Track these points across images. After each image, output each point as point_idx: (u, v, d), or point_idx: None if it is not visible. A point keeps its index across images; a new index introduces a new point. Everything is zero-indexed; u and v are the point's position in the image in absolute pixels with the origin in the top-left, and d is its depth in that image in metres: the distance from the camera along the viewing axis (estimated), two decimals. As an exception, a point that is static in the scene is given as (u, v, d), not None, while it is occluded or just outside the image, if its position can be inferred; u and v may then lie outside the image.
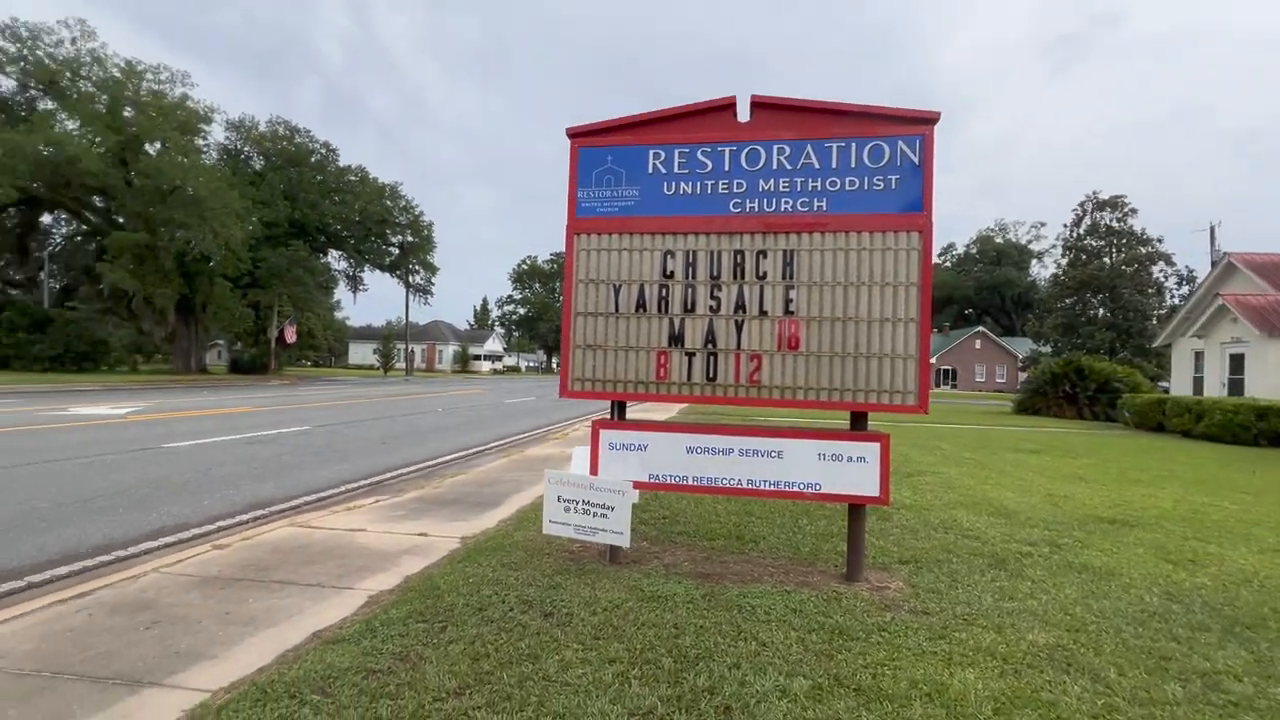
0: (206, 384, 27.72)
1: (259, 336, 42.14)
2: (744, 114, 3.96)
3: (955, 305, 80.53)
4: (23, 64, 29.49)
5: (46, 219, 38.13)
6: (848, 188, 3.79)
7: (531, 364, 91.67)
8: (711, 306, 3.92)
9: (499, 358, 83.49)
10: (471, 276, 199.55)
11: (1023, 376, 31.81)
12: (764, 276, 3.85)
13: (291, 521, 5.05)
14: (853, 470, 3.74)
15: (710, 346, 3.91)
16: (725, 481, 3.91)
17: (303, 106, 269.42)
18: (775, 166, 3.88)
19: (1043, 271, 77.22)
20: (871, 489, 3.73)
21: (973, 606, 3.43)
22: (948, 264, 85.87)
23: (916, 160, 3.72)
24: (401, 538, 4.62)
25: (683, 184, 4.00)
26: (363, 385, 31.25)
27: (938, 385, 59.59)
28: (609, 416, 4.23)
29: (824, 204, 3.82)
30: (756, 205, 3.89)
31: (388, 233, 46.09)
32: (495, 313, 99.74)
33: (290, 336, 42.30)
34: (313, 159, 42.98)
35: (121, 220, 32.14)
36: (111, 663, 2.66)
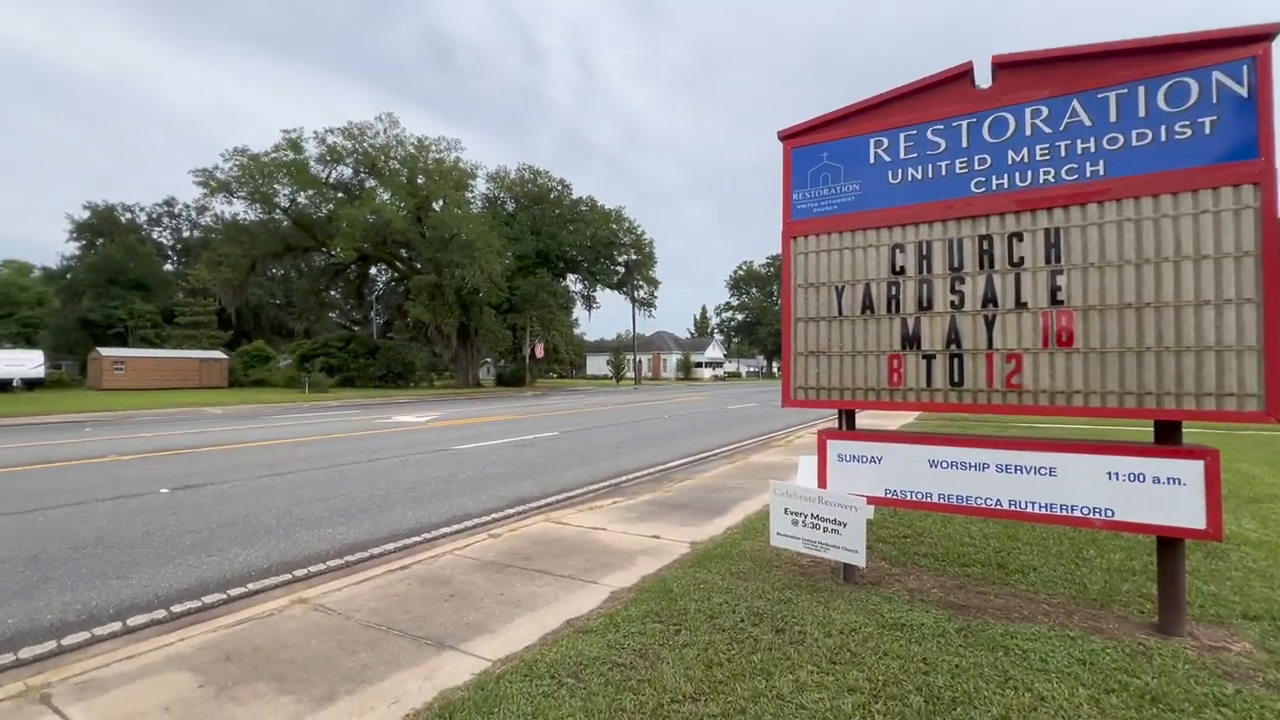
0: (479, 396, 33.22)
1: (516, 353, 49.33)
2: (983, 79, 3.45)
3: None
4: (356, 155, 38.99)
5: (373, 270, 49.83)
6: (1135, 143, 3.06)
7: (751, 369, 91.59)
8: (953, 302, 3.47)
9: (719, 364, 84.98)
10: (691, 284, 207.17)
11: None
12: (1020, 263, 3.30)
13: (546, 517, 5.75)
14: (1162, 494, 2.98)
15: (953, 347, 3.47)
16: (979, 501, 3.42)
17: (541, 150, 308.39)
18: (1029, 132, 3.30)
19: None
20: (1192, 519, 2.92)
21: (1379, 692, 2.47)
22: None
23: (1244, 92, 2.84)
24: (637, 538, 4.95)
25: (910, 170, 3.63)
26: (598, 394, 34.42)
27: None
28: (835, 425, 4.01)
29: (1099, 167, 3.13)
30: (1006, 181, 3.36)
31: (614, 254, 50.61)
32: (714, 320, 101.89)
33: (539, 352, 48.70)
34: (551, 195, 49.16)
35: (419, 266, 40.40)
36: (423, 625, 3.30)
